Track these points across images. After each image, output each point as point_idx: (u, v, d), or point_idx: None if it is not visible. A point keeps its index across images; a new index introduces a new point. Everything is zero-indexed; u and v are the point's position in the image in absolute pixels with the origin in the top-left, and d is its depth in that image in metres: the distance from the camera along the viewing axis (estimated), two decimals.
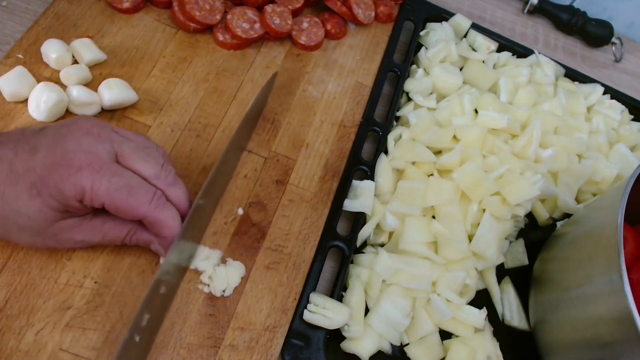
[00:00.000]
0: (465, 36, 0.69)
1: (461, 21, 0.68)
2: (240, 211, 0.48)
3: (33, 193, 0.35)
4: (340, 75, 0.60)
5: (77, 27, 0.52)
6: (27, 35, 0.50)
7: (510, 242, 0.56)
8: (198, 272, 0.44)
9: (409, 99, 0.62)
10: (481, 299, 0.52)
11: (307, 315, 0.44)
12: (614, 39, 0.78)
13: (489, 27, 0.70)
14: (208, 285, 0.43)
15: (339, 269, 0.48)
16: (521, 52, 0.69)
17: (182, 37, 0.55)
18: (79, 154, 0.35)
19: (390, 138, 0.56)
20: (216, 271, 0.43)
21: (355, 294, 0.46)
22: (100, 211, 0.38)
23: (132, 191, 0.37)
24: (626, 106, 0.69)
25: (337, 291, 0.46)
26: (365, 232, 0.50)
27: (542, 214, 0.58)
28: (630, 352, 0.39)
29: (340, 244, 0.49)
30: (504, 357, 0.49)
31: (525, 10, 0.79)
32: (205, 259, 0.44)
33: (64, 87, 0.47)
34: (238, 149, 0.49)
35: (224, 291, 0.43)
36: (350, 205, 0.51)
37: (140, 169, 0.38)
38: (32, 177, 0.35)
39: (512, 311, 0.53)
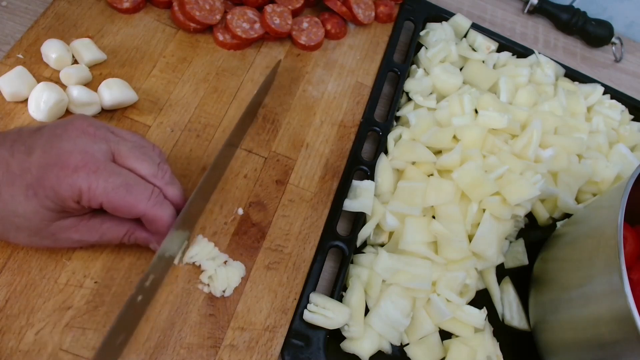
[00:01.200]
0: (465, 36, 0.69)
1: (461, 21, 0.68)
2: (240, 211, 0.48)
3: (29, 194, 0.35)
4: (340, 75, 0.60)
5: (77, 27, 0.52)
6: (27, 35, 0.50)
7: (510, 242, 0.56)
8: (198, 273, 0.44)
9: (409, 99, 0.62)
10: (481, 299, 0.52)
11: (307, 315, 0.44)
12: (614, 39, 0.78)
13: (489, 27, 0.70)
14: (208, 285, 0.43)
15: (339, 269, 0.48)
16: (521, 52, 0.69)
17: (182, 37, 0.55)
18: (74, 154, 0.35)
19: (390, 138, 0.56)
20: (216, 271, 0.43)
21: (355, 294, 0.46)
22: (99, 211, 0.38)
23: (130, 189, 0.36)
24: (626, 106, 0.68)
25: (337, 291, 0.46)
26: (365, 232, 0.50)
27: (542, 214, 0.58)
28: (630, 352, 0.39)
29: (340, 244, 0.49)
30: (504, 357, 0.49)
31: (525, 10, 0.79)
32: (212, 259, 0.44)
33: (64, 87, 0.47)
34: (232, 145, 0.49)
35: (224, 291, 0.43)
36: (350, 205, 0.51)
37: (137, 167, 0.38)
38: (28, 178, 0.35)
39: (512, 311, 0.53)
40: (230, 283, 0.43)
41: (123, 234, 0.40)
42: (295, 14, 0.60)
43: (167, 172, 0.40)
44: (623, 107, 0.68)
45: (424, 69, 0.63)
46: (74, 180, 0.35)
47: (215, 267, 0.43)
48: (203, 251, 0.44)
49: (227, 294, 0.43)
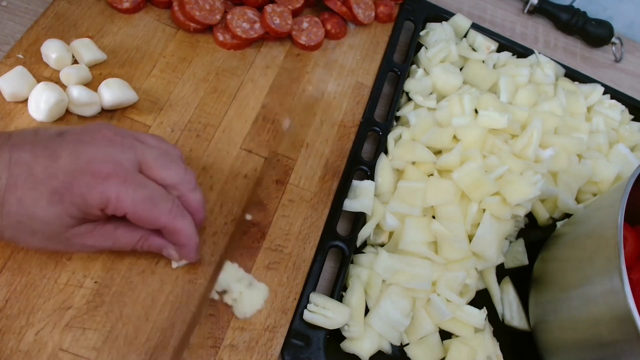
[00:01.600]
0: (465, 36, 0.69)
1: (461, 21, 0.68)
2: (241, 211, 0.48)
3: (54, 199, 0.34)
4: (340, 75, 0.60)
5: (77, 27, 0.52)
6: (27, 35, 0.50)
7: (510, 242, 0.56)
8: (198, 273, 0.44)
9: (409, 99, 0.62)
10: (481, 299, 0.52)
11: (307, 315, 0.44)
12: (614, 39, 0.78)
13: (489, 27, 0.70)
14: (232, 306, 0.43)
15: (339, 269, 0.48)
16: (521, 52, 0.69)
17: (182, 37, 0.55)
18: (106, 163, 0.35)
19: (390, 138, 0.56)
20: (242, 294, 0.43)
21: (355, 294, 0.46)
22: (113, 217, 0.38)
23: (155, 202, 0.37)
24: (626, 106, 0.68)
25: (337, 291, 0.46)
26: (365, 232, 0.50)
27: (542, 214, 0.58)
28: (630, 352, 0.39)
29: (340, 244, 0.49)
30: (504, 357, 0.49)
31: (525, 10, 0.79)
32: (238, 280, 0.44)
33: (64, 87, 0.47)
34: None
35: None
36: (350, 205, 0.51)
37: (165, 176, 0.38)
38: (55, 183, 0.34)
39: (512, 311, 0.53)
40: (254, 305, 0.43)
41: (137, 240, 0.40)
42: (295, 14, 0.60)
43: (193, 176, 0.40)
44: (623, 107, 0.68)
45: (424, 69, 0.63)
46: (104, 189, 0.35)
47: (240, 290, 0.43)
48: (231, 276, 0.44)
49: (249, 315, 0.43)
